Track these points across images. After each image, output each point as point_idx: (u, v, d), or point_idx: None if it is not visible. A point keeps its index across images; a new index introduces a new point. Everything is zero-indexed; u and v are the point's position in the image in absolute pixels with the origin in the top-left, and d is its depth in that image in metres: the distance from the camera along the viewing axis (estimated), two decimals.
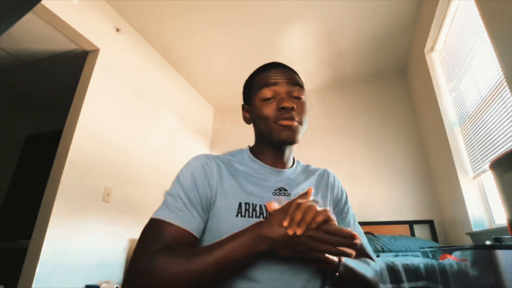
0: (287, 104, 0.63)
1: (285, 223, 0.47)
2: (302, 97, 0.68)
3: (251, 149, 0.74)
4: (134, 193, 2.27)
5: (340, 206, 0.72)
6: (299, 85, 0.68)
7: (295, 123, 0.64)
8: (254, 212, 0.59)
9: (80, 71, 2.09)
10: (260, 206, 0.61)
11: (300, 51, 2.79)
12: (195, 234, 0.56)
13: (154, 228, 0.54)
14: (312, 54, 2.84)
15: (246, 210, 0.59)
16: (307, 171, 0.75)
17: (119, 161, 2.17)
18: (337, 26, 2.49)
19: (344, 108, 3.20)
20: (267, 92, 0.66)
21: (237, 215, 0.58)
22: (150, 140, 2.56)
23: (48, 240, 1.61)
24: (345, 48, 2.77)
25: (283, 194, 0.65)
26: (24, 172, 3.03)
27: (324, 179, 0.74)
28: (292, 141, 0.65)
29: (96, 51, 2.11)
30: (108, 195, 2.02)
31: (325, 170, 0.77)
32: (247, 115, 0.74)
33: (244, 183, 0.64)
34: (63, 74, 2.67)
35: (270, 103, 0.65)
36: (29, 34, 2.12)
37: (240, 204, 0.60)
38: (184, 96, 3.23)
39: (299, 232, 0.45)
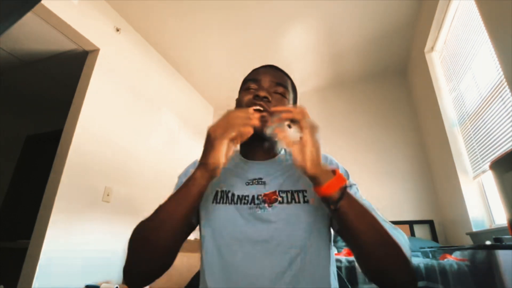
0: (261, 93, 0.67)
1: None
2: (286, 96, 0.71)
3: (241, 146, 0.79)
4: (134, 193, 2.27)
5: None
6: (282, 85, 0.71)
7: (265, 115, 0.64)
8: (227, 199, 0.65)
9: (80, 71, 2.08)
10: (233, 193, 0.66)
11: (300, 51, 2.79)
12: None
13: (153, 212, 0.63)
14: (312, 54, 2.84)
15: (220, 197, 0.66)
16: None
17: (119, 161, 2.17)
18: (337, 26, 2.49)
19: (344, 108, 3.20)
20: (250, 85, 0.71)
21: (212, 202, 0.65)
22: (150, 140, 2.56)
23: (48, 240, 1.61)
24: (345, 48, 2.77)
25: (257, 183, 0.67)
26: (24, 172, 3.03)
27: None
28: (257, 130, 0.61)
29: (96, 51, 2.11)
30: (108, 195, 2.02)
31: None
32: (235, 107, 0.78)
33: (227, 176, 0.70)
34: (63, 74, 2.67)
35: (250, 92, 0.70)
36: (29, 34, 2.12)
37: (216, 192, 0.67)
38: (184, 96, 3.23)
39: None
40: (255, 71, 0.76)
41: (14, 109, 3.28)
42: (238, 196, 0.65)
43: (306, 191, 0.64)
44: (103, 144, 2.06)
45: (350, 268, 1.54)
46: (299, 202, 0.63)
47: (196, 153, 3.30)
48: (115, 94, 2.23)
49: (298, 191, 0.64)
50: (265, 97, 0.67)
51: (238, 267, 0.57)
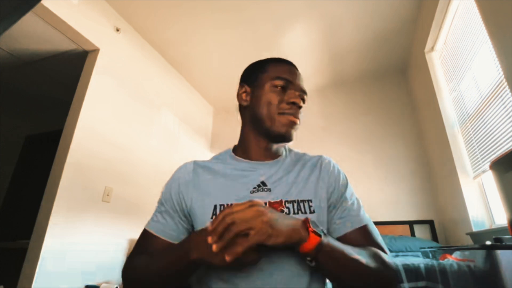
0: (299, 101, 0.65)
1: (209, 240, 0.46)
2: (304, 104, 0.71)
3: (236, 147, 0.74)
4: (134, 193, 2.27)
5: (339, 190, 0.66)
6: (306, 93, 0.70)
7: (298, 122, 0.66)
8: None
9: (80, 71, 2.08)
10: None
11: (301, 50, 2.79)
12: (168, 240, 0.63)
13: (141, 236, 0.65)
14: (312, 54, 2.84)
15: (220, 211, 0.58)
16: (301, 160, 0.71)
17: (119, 161, 2.17)
18: (337, 25, 2.49)
19: (344, 108, 3.20)
20: (283, 82, 0.66)
21: (211, 217, 0.59)
22: (150, 140, 2.56)
23: (48, 240, 1.61)
24: (345, 48, 2.77)
25: (261, 190, 0.62)
26: (24, 172, 3.03)
27: (316, 167, 0.68)
28: (290, 138, 0.67)
29: (96, 51, 2.11)
30: (108, 195, 2.02)
31: (319, 157, 0.72)
32: (245, 96, 0.71)
33: (223, 184, 0.64)
34: (63, 74, 2.66)
35: (280, 92, 0.66)
36: (29, 34, 2.12)
37: (215, 206, 0.61)
38: (184, 96, 3.23)
39: (215, 249, 0.45)
40: (283, 67, 0.69)
41: (14, 109, 3.27)
42: None
43: (311, 200, 0.63)
44: (103, 144, 2.05)
45: None
46: (305, 212, 0.60)
47: (196, 153, 3.31)
48: (115, 94, 2.23)
49: (304, 201, 0.62)
50: (301, 107, 0.66)
51: (253, 284, 0.54)
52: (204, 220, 0.60)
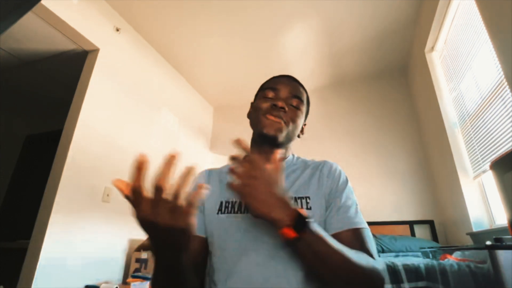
0: (279, 103, 0.69)
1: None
2: (301, 108, 0.74)
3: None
4: None
5: (337, 188, 0.67)
6: (299, 98, 0.74)
7: (282, 122, 0.69)
8: (232, 209, 0.65)
9: (80, 71, 2.08)
10: (240, 202, 0.65)
11: (300, 50, 2.79)
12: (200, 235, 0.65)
13: None
14: (312, 54, 2.84)
15: (225, 207, 0.65)
16: (305, 164, 0.75)
17: (119, 161, 2.17)
18: (337, 25, 2.49)
19: (344, 108, 3.20)
20: (269, 93, 0.74)
21: (217, 213, 0.65)
22: (150, 140, 2.56)
23: (47, 240, 1.60)
24: (345, 48, 2.77)
25: None
26: (24, 172, 3.02)
27: (318, 170, 0.71)
28: (273, 136, 0.68)
29: (96, 51, 2.11)
30: (108, 195, 2.02)
31: (324, 161, 0.74)
32: (251, 110, 0.80)
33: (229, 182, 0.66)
34: (63, 74, 2.66)
35: (267, 100, 0.72)
36: (29, 34, 2.12)
37: (221, 202, 0.66)
38: (184, 96, 3.23)
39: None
40: (274, 79, 0.77)
41: (14, 109, 3.27)
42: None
43: (309, 197, 0.66)
44: (103, 144, 2.05)
45: None
46: (301, 208, 0.62)
47: (196, 153, 3.30)
48: (115, 94, 2.23)
49: (301, 198, 0.66)
50: (282, 107, 0.69)
51: (245, 275, 0.57)
52: (211, 215, 0.66)
